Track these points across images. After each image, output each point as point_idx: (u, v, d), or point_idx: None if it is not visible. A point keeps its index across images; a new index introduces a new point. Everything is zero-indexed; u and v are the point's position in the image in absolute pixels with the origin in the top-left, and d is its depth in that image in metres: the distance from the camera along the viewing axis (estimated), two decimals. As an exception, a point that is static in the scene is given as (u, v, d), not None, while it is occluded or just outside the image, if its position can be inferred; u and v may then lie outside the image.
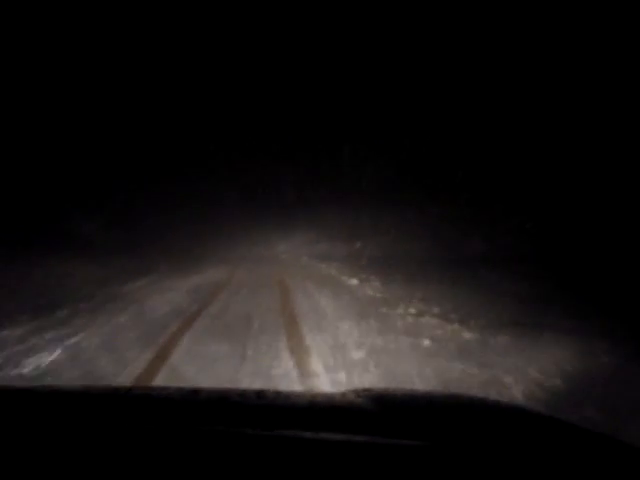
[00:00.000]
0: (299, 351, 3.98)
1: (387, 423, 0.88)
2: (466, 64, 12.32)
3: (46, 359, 3.80)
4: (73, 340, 4.39)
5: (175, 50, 16.99)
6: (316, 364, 3.62)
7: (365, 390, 1.14)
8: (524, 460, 0.73)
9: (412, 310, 5.61)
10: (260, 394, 1.10)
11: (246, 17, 17.18)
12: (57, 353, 3.97)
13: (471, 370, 3.42)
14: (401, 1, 14.30)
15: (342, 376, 3.31)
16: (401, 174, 15.64)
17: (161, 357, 3.83)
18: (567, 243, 8.29)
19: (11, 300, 6.16)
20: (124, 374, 3.41)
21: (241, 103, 18.67)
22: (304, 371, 3.45)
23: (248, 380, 3.20)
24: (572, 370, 3.37)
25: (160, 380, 3.28)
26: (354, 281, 8.39)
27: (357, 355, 3.85)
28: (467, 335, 4.43)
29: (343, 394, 1.13)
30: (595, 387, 3.08)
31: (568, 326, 4.51)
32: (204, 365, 3.59)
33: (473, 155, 12.73)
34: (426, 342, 4.20)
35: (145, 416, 0.93)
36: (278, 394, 1.11)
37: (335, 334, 4.56)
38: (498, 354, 3.82)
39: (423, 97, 13.95)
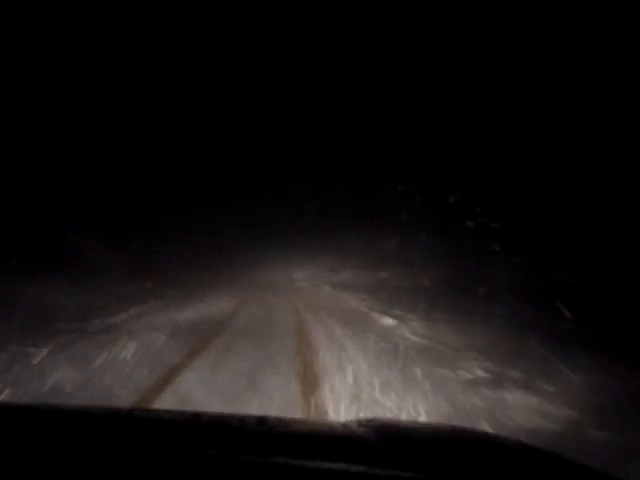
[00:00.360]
0: None
1: (386, 454, 0.87)
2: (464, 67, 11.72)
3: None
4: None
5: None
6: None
7: (368, 420, 1.12)
8: None
9: (481, 373, 3.91)
10: (261, 420, 1.06)
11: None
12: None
13: None
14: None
15: None
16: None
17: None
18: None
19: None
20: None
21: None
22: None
23: None
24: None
25: None
26: (389, 320, 6.73)
27: None
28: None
29: (345, 424, 1.12)
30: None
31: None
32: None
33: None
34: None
35: (144, 438, 0.92)
36: (279, 421, 1.09)
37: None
38: None
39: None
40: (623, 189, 7.14)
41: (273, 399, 3.26)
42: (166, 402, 3.23)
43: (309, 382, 3.68)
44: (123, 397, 3.35)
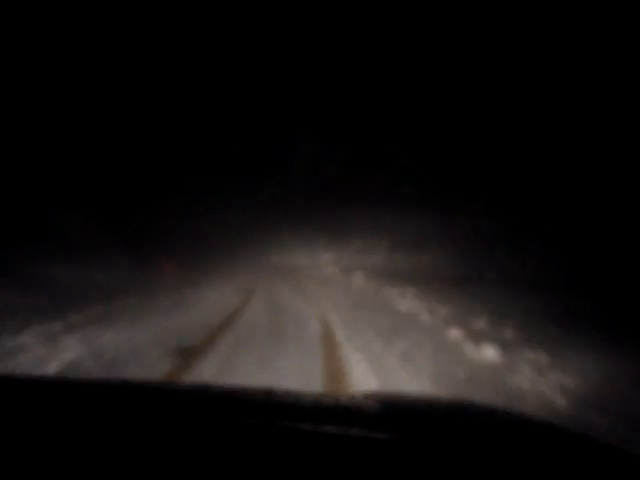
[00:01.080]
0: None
1: (387, 422, 0.89)
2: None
3: None
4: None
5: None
6: None
7: (373, 393, 1.15)
8: (519, 468, 0.71)
9: None
10: (269, 392, 1.06)
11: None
12: None
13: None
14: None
15: None
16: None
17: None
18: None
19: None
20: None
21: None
22: None
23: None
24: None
25: None
26: (456, 333, 4.44)
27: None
28: None
29: (351, 396, 1.16)
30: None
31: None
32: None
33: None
34: None
35: (154, 408, 0.92)
36: (287, 393, 1.10)
37: None
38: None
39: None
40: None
41: None
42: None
43: None
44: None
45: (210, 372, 3.19)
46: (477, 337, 3.99)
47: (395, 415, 0.95)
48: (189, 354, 3.72)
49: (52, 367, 3.33)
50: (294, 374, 3.12)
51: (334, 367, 3.35)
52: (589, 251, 8.73)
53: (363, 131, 16.38)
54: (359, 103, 16.85)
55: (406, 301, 6.51)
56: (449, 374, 3.16)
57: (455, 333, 4.32)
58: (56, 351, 3.73)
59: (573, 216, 9.82)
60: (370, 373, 3.20)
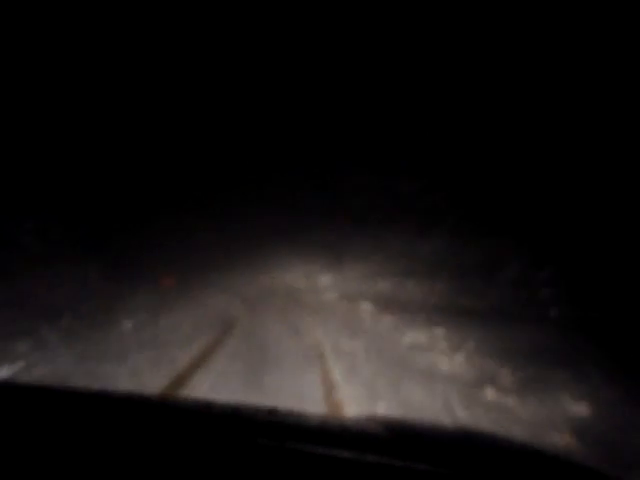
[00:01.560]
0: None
1: (395, 447, 0.87)
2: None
3: None
4: None
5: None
6: None
7: (378, 417, 1.22)
8: None
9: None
10: (272, 411, 1.04)
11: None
12: None
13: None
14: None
15: None
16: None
17: None
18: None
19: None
20: None
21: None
22: None
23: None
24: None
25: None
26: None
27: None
28: None
29: (355, 419, 1.13)
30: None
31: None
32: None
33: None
34: None
35: (157, 424, 0.88)
36: (291, 413, 1.06)
37: None
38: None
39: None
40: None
41: None
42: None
43: None
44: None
45: None
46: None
47: (404, 440, 0.92)
48: None
49: None
50: None
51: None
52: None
53: (375, 143, 14.87)
54: (367, 113, 15.50)
55: (446, 359, 4.60)
56: None
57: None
58: None
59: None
60: None
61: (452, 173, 13.46)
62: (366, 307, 8.52)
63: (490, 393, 3.50)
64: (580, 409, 3.19)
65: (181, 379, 3.77)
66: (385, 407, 3.22)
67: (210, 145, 15.59)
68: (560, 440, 2.74)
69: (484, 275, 11.02)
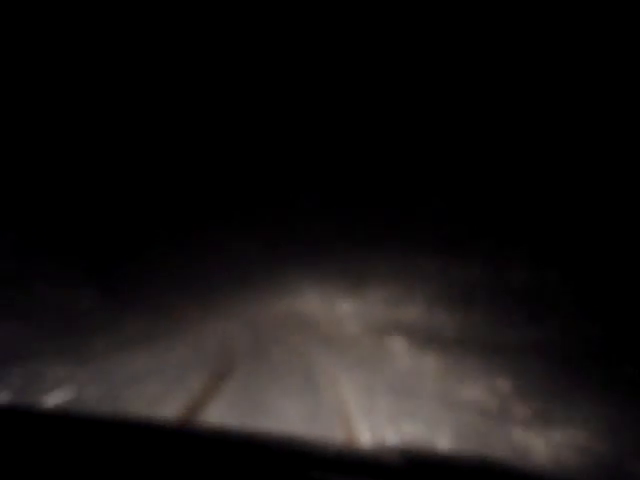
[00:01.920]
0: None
1: (415, 478, 0.87)
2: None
3: None
4: None
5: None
6: None
7: (396, 446, 1.11)
8: None
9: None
10: (289, 439, 1.04)
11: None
12: None
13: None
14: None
15: None
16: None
17: None
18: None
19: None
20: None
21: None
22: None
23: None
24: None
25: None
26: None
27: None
28: None
29: (373, 448, 1.21)
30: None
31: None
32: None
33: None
34: None
35: (173, 452, 0.87)
36: (308, 442, 1.07)
37: None
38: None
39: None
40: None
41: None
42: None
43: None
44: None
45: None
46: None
47: (423, 470, 0.92)
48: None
49: None
50: None
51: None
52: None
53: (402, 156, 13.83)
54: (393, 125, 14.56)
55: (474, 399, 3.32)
56: None
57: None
58: None
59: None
60: None
61: (486, 188, 12.27)
62: (391, 340, 7.16)
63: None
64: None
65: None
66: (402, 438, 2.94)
67: (215, 162, 14.97)
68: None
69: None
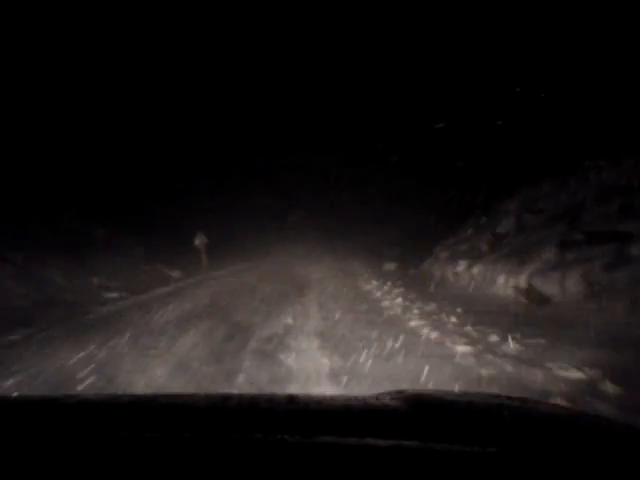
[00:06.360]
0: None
1: (432, 427, 0.77)
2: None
3: None
4: None
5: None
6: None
7: (398, 392, 1.05)
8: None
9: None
10: (291, 399, 0.96)
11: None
12: None
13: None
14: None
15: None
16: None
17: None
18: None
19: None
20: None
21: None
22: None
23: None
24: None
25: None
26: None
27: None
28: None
29: (377, 397, 1.05)
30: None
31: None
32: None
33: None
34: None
35: (173, 424, 0.81)
36: (310, 398, 1.03)
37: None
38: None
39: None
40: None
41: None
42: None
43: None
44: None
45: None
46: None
47: (437, 418, 0.82)
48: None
49: None
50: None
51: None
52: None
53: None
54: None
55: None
56: None
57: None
58: None
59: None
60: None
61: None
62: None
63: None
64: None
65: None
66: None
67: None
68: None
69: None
